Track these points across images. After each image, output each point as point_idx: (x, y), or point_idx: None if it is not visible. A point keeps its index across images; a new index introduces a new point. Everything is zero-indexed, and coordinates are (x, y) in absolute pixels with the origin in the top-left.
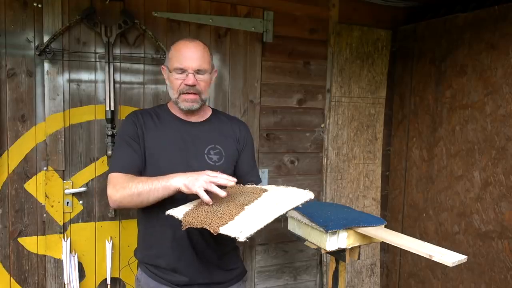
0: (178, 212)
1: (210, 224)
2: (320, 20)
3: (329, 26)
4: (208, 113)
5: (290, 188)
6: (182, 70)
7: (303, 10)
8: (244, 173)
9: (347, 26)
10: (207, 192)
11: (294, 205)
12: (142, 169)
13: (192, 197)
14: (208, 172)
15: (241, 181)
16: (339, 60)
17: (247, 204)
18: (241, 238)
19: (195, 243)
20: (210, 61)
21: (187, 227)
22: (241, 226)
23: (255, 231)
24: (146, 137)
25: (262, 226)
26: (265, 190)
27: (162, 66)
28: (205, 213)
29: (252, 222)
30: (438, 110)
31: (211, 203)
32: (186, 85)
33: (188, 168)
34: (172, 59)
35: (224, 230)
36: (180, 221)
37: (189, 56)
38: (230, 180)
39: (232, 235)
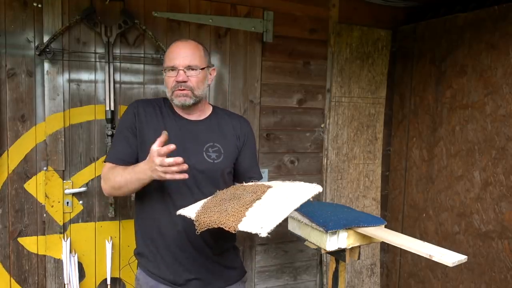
0: (189, 211)
1: (225, 223)
2: (320, 20)
3: (329, 26)
4: (208, 111)
5: (297, 182)
6: (173, 68)
7: (303, 10)
8: (245, 170)
9: (347, 26)
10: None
11: (306, 199)
12: (135, 161)
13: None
14: (153, 154)
15: (242, 178)
16: (339, 60)
17: (254, 201)
18: (263, 233)
19: (193, 240)
20: (203, 58)
21: (202, 229)
22: (259, 221)
23: (276, 225)
24: (144, 128)
25: (281, 219)
26: (270, 186)
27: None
28: (217, 212)
29: (268, 216)
30: (438, 110)
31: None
32: (177, 82)
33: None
34: (165, 59)
35: (242, 227)
36: (193, 221)
37: (178, 54)
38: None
39: (254, 231)
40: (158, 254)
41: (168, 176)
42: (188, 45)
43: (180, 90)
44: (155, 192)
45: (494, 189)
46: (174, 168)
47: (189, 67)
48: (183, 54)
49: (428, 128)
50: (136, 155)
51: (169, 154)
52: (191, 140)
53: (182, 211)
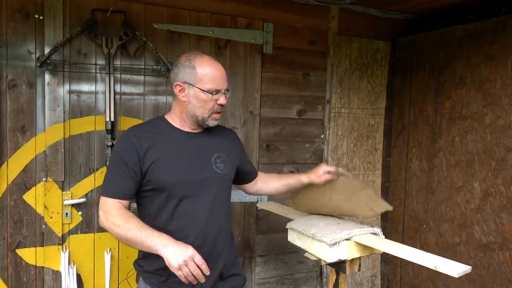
0: None
1: None
2: (320, 32)
3: (329, 37)
4: None
5: None
6: (217, 92)
7: (302, 22)
8: (248, 171)
9: (347, 37)
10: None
11: None
12: (134, 194)
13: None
14: (195, 254)
15: (246, 177)
16: (339, 71)
17: None
18: None
19: (206, 258)
20: None
21: None
22: None
23: None
24: (148, 155)
25: None
26: None
27: (178, 83)
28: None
29: None
30: (438, 121)
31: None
32: (220, 105)
33: (197, 179)
34: (204, 79)
35: None
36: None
37: (219, 76)
38: (206, 272)
39: None
40: (170, 272)
41: (185, 272)
42: (221, 66)
43: (218, 113)
44: (168, 211)
45: (494, 200)
46: (196, 271)
47: (226, 90)
48: (222, 76)
49: (427, 139)
50: (137, 186)
51: (179, 169)
52: (199, 153)
53: None
